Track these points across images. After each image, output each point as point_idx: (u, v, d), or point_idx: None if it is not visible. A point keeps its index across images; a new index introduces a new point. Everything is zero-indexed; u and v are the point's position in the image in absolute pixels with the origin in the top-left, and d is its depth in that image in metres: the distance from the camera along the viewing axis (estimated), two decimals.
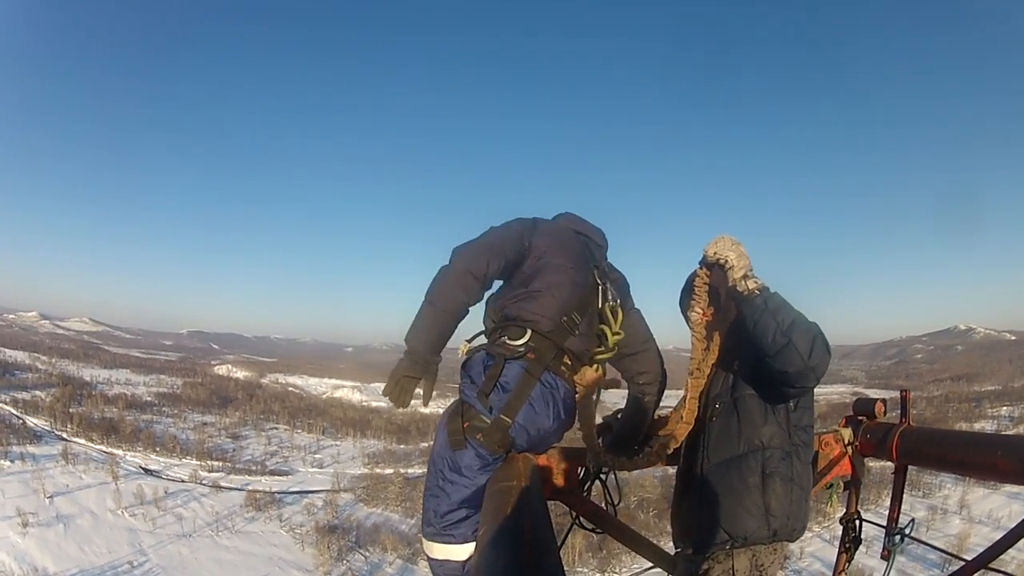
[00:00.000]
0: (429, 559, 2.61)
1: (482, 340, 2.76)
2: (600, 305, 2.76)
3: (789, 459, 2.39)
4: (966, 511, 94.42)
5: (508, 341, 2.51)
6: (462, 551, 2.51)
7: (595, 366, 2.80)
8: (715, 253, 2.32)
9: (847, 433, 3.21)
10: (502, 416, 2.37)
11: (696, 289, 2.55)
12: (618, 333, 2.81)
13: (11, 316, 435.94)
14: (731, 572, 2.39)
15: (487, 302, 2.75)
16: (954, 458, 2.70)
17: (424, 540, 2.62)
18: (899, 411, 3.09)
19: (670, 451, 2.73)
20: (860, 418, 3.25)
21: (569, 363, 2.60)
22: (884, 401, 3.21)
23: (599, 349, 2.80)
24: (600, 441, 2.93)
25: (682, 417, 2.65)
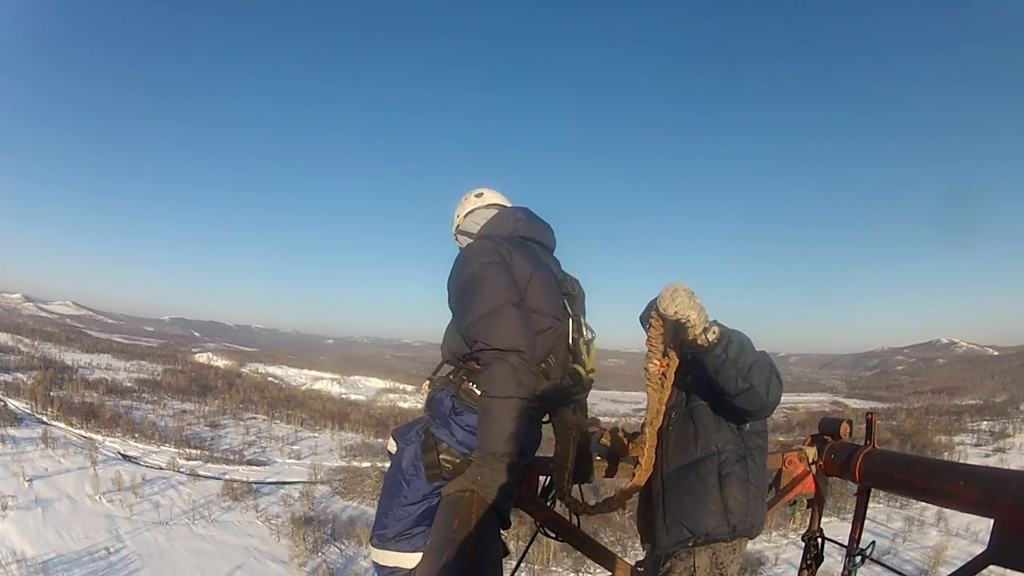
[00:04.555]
0: (378, 566, 2.71)
1: (445, 370, 2.76)
2: (573, 341, 2.73)
3: (744, 462, 2.52)
4: (943, 523, 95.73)
5: (476, 392, 2.46)
6: (412, 559, 2.61)
7: (572, 407, 2.80)
8: (676, 312, 2.26)
9: (811, 452, 3.25)
10: (471, 456, 2.39)
11: (652, 341, 2.51)
12: (593, 370, 2.81)
13: None
14: (692, 569, 2.52)
15: (448, 330, 2.67)
16: (917, 484, 2.69)
17: (375, 548, 2.70)
18: (865, 432, 3.11)
19: (631, 499, 2.73)
20: (825, 437, 3.28)
21: (537, 406, 2.59)
22: (850, 422, 3.24)
23: (575, 390, 2.79)
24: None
25: (640, 464, 2.64)
